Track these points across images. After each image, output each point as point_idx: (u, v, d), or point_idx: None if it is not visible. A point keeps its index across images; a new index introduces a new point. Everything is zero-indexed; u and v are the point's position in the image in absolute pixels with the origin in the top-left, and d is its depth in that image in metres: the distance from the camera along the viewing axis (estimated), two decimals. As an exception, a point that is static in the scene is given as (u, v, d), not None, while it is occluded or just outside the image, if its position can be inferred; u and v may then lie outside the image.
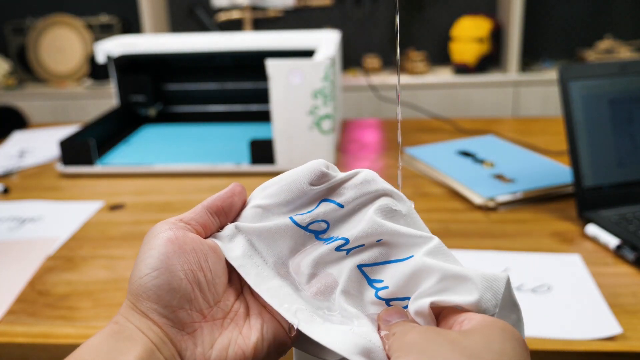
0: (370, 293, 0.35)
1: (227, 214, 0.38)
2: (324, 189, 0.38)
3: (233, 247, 0.37)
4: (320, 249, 0.37)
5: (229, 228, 0.38)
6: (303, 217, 0.37)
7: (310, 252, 0.37)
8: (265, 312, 0.36)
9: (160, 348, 0.32)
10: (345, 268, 0.36)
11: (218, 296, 0.35)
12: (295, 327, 0.34)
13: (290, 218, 0.38)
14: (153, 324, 0.32)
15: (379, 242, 0.36)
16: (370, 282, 0.36)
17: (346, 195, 0.37)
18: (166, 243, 0.33)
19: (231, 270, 0.36)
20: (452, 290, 0.32)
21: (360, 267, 0.36)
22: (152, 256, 0.33)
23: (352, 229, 0.37)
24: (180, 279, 0.33)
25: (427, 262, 0.33)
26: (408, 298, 0.34)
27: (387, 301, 0.35)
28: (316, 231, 0.38)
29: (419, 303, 0.32)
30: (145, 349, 0.31)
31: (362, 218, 0.37)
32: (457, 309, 0.32)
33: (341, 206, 0.37)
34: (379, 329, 0.33)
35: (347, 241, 0.36)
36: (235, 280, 0.37)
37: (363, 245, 0.36)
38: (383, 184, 0.37)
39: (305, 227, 0.37)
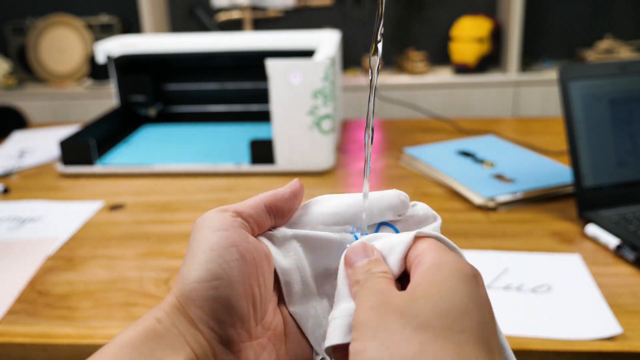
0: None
1: (284, 216, 0.35)
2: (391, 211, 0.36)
3: (284, 255, 0.34)
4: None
5: (283, 230, 0.35)
6: (365, 237, 0.35)
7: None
8: (301, 332, 0.34)
9: None
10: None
11: (265, 313, 0.32)
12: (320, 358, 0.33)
13: (354, 234, 0.35)
14: (201, 336, 0.30)
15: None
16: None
17: (403, 222, 0.36)
18: (230, 247, 0.30)
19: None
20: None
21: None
22: (212, 260, 0.30)
23: None
24: (239, 296, 0.30)
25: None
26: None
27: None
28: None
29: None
30: None
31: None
32: (415, 249, 0.31)
33: (397, 231, 0.36)
34: (345, 266, 0.32)
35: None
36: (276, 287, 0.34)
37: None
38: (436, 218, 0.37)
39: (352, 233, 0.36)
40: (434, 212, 0.37)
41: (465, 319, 0.27)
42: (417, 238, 0.32)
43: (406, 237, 0.32)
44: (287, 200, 0.35)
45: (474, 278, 0.28)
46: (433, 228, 0.36)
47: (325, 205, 0.36)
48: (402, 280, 0.31)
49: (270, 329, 0.33)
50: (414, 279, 0.29)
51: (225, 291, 0.30)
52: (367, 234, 0.35)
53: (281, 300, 0.34)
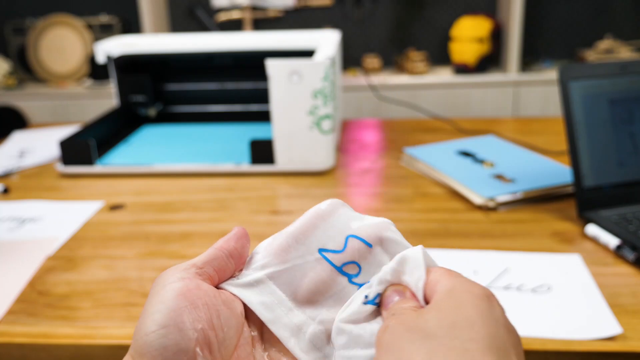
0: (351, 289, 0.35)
1: (240, 256, 0.36)
2: (347, 223, 0.37)
3: (258, 295, 0.34)
4: (357, 298, 0.35)
5: (250, 272, 0.35)
6: (335, 255, 0.36)
7: (344, 298, 0.35)
8: None
9: None
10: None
11: (228, 356, 0.32)
12: None
13: (321, 253, 0.36)
14: None
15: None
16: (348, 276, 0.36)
17: (370, 233, 0.36)
18: (177, 297, 0.31)
19: (244, 321, 0.34)
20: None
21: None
22: (160, 311, 0.30)
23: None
24: (189, 340, 0.30)
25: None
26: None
27: (359, 285, 0.35)
28: (350, 274, 0.36)
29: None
30: None
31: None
32: (430, 280, 0.32)
33: (370, 245, 0.36)
34: (382, 308, 0.33)
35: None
36: (247, 331, 0.34)
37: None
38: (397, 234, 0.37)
39: (339, 268, 0.36)
40: (382, 219, 0.37)
41: (475, 330, 0.27)
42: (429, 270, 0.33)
43: (420, 273, 0.33)
44: (237, 240, 0.36)
45: (487, 298, 0.29)
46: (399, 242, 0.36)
47: (284, 234, 0.37)
48: None
49: None
50: (430, 303, 0.30)
51: (174, 337, 0.30)
52: (339, 250, 0.36)
53: (263, 342, 0.35)
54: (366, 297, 0.34)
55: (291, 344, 0.34)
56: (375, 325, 0.33)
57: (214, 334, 0.31)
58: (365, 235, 0.36)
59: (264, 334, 0.35)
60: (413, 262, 0.33)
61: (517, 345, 0.29)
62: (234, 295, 0.35)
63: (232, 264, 0.35)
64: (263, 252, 0.36)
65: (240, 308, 0.34)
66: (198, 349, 0.30)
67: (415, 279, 0.33)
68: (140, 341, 0.30)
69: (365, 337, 0.32)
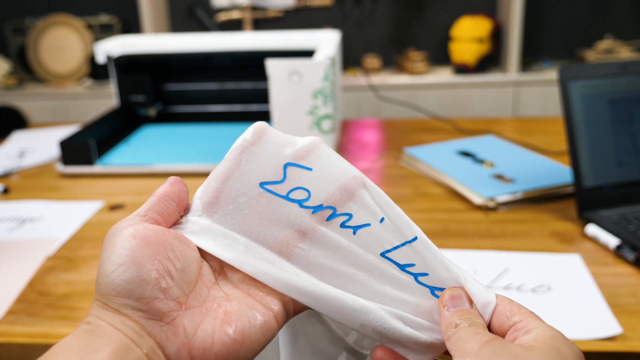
0: (407, 279, 0.35)
1: (180, 199, 0.36)
2: (278, 150, 0.37)
3: (211, 239, 0.35)
4: (317, 223, 0.35)
5: (194, 216, 0.36)
6: (277, 186, 0.36)
7: (301, 222, 0.35)
8: (248, 297, 0.34)
9: (136, 342, 0.30)
10: (366, 258, 0.35)
11: (192, 284, 0.33)
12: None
13: (262, 186, 0.36)
14: (127, 319, 0.31)
15: (382, 222, 0.35)
16: (402, 267, 0.35)
17: (307, 158, 0.36)
18: (128, 238, 0.32)
19: (202, 259, 0.35)
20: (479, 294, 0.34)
21: (384, 254, 0.35)
22: (116, 253, 0.32)
23: (346, 201, 0.35)
24: (149, 270, 0.31)
25: (444, 258, 0.35)
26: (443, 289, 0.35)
27: (432, 289, 0.35)
28: (299, 200, 0.35)
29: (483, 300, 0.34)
30: (119, 345, 0.30)
31: (349, 188, 0.36)
32: (505, 302, 0.33)
33: (309, 169, 0.36)
34: (442, 305, 0.34)
35: (350, 216, 0.35)
36: (207, 268, 0.35)
37: (369, 224, 0.35)
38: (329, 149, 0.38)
39: (285, 197, 0.35)
40: (312, 138, 0.38)
41: None
42: (502, 297, 0.34)
43: (490, 296, 0.34)
44: (173, 185, 0.36)
45: (581, 358, 0.31)
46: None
47: (216, 176, 0.37)
48: None
49: (211, 298, 0.34)
50: (526, 341, 0.31)
51: (134, 270, 0.31)
52: (279, 181, 0.36)
53: (227, 276, 0.36)
54: (416, 277, 0.35)
55: (262, 277, 0.34)
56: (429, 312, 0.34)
57: (171, 263, 0.32)
58: (302, 160, 0.36)
59: (224, 268, 0.36)
60: (481, 285, 0.34)
61: None
62: None
63: (174, 206, 0.36)
64: (201, 197, 0.36)
65: (194, 244, 0.35)
66: (159, 276, 0.32)
67: (485, 300, 0.34)
68: (103, 284, 0.31)
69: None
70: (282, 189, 0.36)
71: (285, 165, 0.36)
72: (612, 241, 0.73)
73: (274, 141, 0.37)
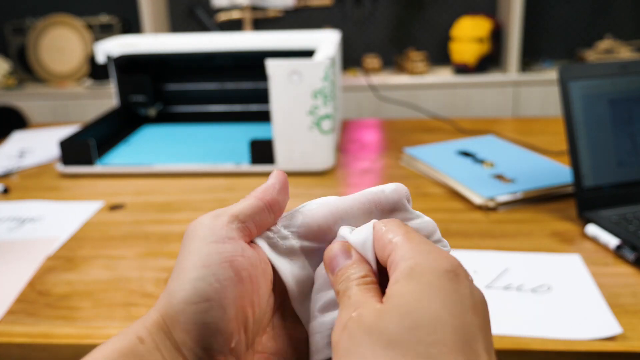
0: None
1: (280, 210, 0.32)
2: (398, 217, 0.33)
3: (289, 266, 0.31)
4: None
5: (287, 234, 0.32)
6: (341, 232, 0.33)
7: None
8: (290, 346, 0.31)
9: None
10: None
11: (258, 335, 0.29)
12: None
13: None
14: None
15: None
16: None
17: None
18: (223, 264, 0.27)
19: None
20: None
21: None
22: (204, 278, 0.27)
23: None
24: (230, 320, 0.27)
25: None
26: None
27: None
28: None
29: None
30: None
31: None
32: (384, 239, 0.29)
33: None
34: (327, 272, 0.30)
35: None
36: (270, 305, 0.31)
37: None
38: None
39: None
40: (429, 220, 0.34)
41: (438, 330, 0.24)
42: (378, 224, 0.30)
43: (368, 227, 0.30)
44: (279, 191, 0.32)
45: (452, 275, 0.26)
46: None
47: (322, 208, 0.33)
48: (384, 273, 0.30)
49: (262, 351, 0.30)
50: (389, 287, 0.27)
51: (216, 315, 0.27)
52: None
53: (283, 310, 0.32)
54: None
55: (311, 330, 0.31)
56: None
57: (251, 311, 0.28)
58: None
59: (284, 301, 0.32)
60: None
61: (484, 327, 0.26)
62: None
63: (273, 219, 0.31)
64: (303, 217, 0.32)
65: (271, 276, 0.31)
66: (236, 331, 0.27)
67: (362, 238, 0.30)
68: (176, 307, 0.27)
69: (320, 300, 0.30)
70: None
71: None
72: (612, 241, 0.73)
73: (401, 209, 0.33)
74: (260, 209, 0.30)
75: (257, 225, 0.30)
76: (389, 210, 0.33)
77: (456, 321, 0.25)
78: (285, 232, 0.32)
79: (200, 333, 0.27)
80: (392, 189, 0.33)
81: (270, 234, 0.32)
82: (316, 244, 0.32)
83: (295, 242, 0.32)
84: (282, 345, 0.31)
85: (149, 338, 0.27)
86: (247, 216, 0.30)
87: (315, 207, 0.33)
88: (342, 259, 0.29)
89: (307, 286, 0.32)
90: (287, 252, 0.32)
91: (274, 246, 0.31)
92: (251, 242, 0.31)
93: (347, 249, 0.30)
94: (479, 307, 0.26)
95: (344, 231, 0.32)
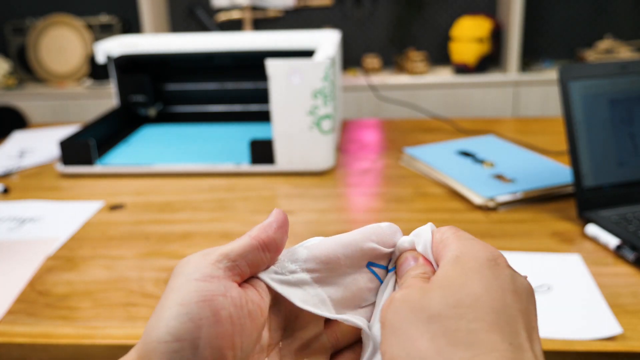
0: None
1: (277, 249, 0.31)
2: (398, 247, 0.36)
3: (302, 294, 0.32)
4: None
5: (293, 267, 0.32)
6: (382, 271, 0.35)
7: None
8: None
9: None
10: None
11: None
12: None
13: (369, 267, 0.35)
14: None
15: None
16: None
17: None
18: (199, 304, 0.27)
19: (263, 331, 0.31)
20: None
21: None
22: (177, 317, 0.26)
23: None
24: (205, 359, 0.27)
25: None
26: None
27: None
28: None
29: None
30: None
31: None
32: (437, 241, 0.33)
33: (387, 269, 0.36)
34: (397, 277, 0.34)
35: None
36: (265, 340, 0.31)
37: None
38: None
39: (382, 282, 0.35)
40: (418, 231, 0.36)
41: (478, 309, 0.26)
42: (440, 232, 0.34)
43: (426, 233, 0.34)
44: (276, 230, 0.31)
45: (493, 263, 0.28)
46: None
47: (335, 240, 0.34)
48: None
49: None
50: (437, 272, 0.29)
51: (186, 355, 0.26)
52: (385, 266, 0.35)
53: (280, 349, 0.33)
54: (389, 270, 0.35)
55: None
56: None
57: (231, 354, 0.27)
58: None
59: (283, 340, 0.33)
60: (424, 231, 0.34)
61: (525, 311, 0.27)
62: (270, 288, 0.31)
63: (268, 258, 0.31)
64: (309, 251, 0.33)
65: (265, 314, 0.30)
66: None
67: (423, 244, 0.33)
68: (150, 345, 0.27)
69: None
70: (384, 275, 0.35)
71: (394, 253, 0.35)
72: (612, 241, 0.73)
73: (398, 237, 0.36)
74: (254, 248, 0.30)
75: (250, 264, 0.30)
76: (388, 237, 0.35)
77: (496, 303, 0.27)
78: (292, 266, 0.32)
79: None
80: (388, 225, 0.36)
81: (276, 268, 0.32)
82: (328, 274, 0.33)
83: (305, 275, 0.32)
84: None
85: None
86: (238, 255, 0.29)
87: (318, 242, 0.33)
88: (408, 263, 0.33)
89: (324, 309, 0.32)
90: (298, 283, 0.32)
91: (280, 280, 0.31)
92: (253, 277, 0.31)
93: (415, 255, 0.33)
94: (521, 292, 0.28)
95: (404, 240, 0.35)
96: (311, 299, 0.32)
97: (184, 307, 0.27)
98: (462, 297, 0.27)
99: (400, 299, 0.28)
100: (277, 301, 0.32)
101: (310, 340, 0.33)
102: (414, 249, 0.34)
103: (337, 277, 0.34)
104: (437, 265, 0.31)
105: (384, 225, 0.36)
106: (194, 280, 0.28)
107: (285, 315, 0.33)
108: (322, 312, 0.32)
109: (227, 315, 0.27)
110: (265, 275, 0.31)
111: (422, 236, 0.34)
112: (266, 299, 0.31)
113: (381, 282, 0.35)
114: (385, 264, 0.36)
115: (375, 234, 0.35)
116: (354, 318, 0.33)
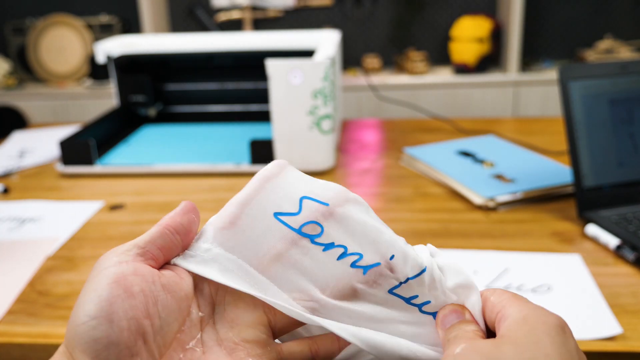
0: (412, 310, 0.35)
1: (188, 232, 0.34)
2: (297, 184, 0.36)
3: (217, 267, 0.33)
4: (328, 260, 0.35)
5: (205, 243, 0.34)
6: (291, 218, 0.35)
7: (313, 260, 0.35)
8: (228, 356, 0.32)
9: None
10: (377, 296, 0.35)
11: (165, 347, 0.31)
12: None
13: (276, 216, 0.35)
14: None
15: (392, 259, 0.35)
16: (408, 300, 0.35)
17: (323, 194, 0.36)
18: (110, 285, 0.29)
19: (192, 305, 0.33)
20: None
21: (391, 291, 0.35)
22: (91, 300, 0.29)
23: (357, 239, 0.35)
24: (121, 331, 0.29)
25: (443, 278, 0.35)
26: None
27: (434, 314, 0.35)
28: (311, 235, 0.35)
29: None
30: None
31: (361, 225, 0.35)
32: (488, 297, 0.33)
33: (326, 204, 0.35)
34: (438, 329, 0.34)
35: (361, 256, 0.35)
36: (195, 315, 0.33)
37: (379, 264, 0.35)
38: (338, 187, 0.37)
39: (298, 230, 0.35)
40: (337, 186, 0.36)
41: None
42: (486, 292, 0.34)
43: (476, 294, 0.34)
44: (183, 215, 0.34)
45: (561, 329, 0.30)
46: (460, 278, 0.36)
47: (234, 201, 0.36)
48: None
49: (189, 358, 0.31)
50: (501, 331, 0.30)
51: (105, 329, 0.28)
52: (293, 213, 0.35)
53: (215, 323, 0.34)
54: (419, 306, 0.35)
55: (276, 304, 0.33)
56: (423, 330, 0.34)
57: (149, 322, 0.30)
58: (320, 196, 0.35)
59: (215, 314, 0.34)
60: (464, 281, 0.34)
61: None
62: (188, 271, 0.34)
63: (179, 241, 0.33)
64: (213, 224, 0.35)
65: (186, 290, 0.33)
66: (131, 340, 0.29)
67: (471, 303, 0.34)
68: (71, 332, 0.29)
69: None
70: (295, 222, 0.35)
71: (302, 198, 0.35)
72: (612, 241, 0.73)
73: (296, 176, 0.37)
74: (162, 233, 0.33)
75: (161, 248, 0.32)
76: (279, 178, 0.36)
77: None
78: (205, 245, 0.34)
79: (95, 348, 0.28)
80: (273, 164, 0.36)
81: (189, 252, 0.34)
82: (238, 238, 0.34)
83: (218, 249, 0.34)
84: (215, 357, 0.32)
85: None
86: (146, 242, 0.32)
87: (217, 214, 0.35)
88: (454, 317, 0.33)
89: (243, 273, 0.34)
90: (216, 259, 0.34)
91: (192, 260, 0.34)
92: (168, 264, 0.34)
93: (462, 309, 0.34)
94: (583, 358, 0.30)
95: (425, 255, 0.35)
96: (232, 271, 0.33)
97: (97, 291, 0.29)
98: (536, 355, 0.28)
99: (471, 348, 0.29)
100: (202, 279, 0.34)
101: (244, 313, 0.34)
102: (457, 303, 0.34)
103: (249, 239, 0.34)
104: (493, 327, 0.32)
105: (269, 166, 0.36)
106: (104, 270, 0.30)
107: (212, 291, 0.35)
108: (240, 286, 0.33)
109: (138, 290, 0.30)
110: (178, 259, 0.34)
111: (468, 293, 0.34)
112: (186, 279, 0.33)
113: (291, 228, 0.35)
114: (293, 209, 0.35)
115: (264, 179, 0.35)
116: (281, 301, 0.33)
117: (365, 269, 0.35)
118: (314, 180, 0.37)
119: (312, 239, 0.35)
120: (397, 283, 0.35)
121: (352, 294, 0.35)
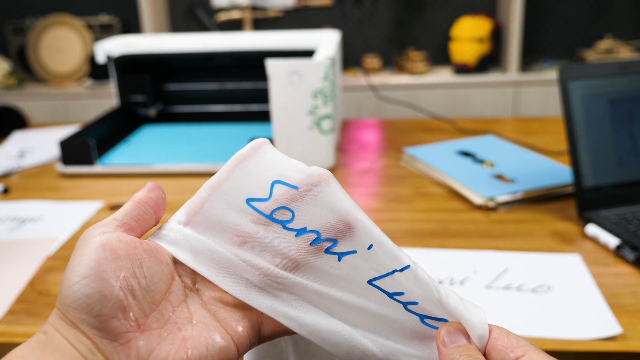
0: (396, 306, 0.34)
1: (157, 205, 0.37)
2: (269, 167, 0.35)
3: (184, 247, 0.35)
4: (301, 246, 0.34)
5: (175, 223, 0.35)
6: (262, 204, 0.34)
7: (284, 246, 0.34)
8: (213, 319, 0.34)
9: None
10: (352, 283, 0.34)
11: (155, 303, 0.33)
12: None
13: (248, 203, 0.35)
14: (82, 335, 0.31)
15: (370, 249, 0.34)
16: (391, 295, 0.34)
17: (294, 176, 0.35)
18: (97, 249, 0.31)
19: (174, 274, 0.35)
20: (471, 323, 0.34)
21: (371, 282, 0.34)
22: (82, 263, 0.31)
23: (331, 225, 0.34)
24: (112, 286, 0.31)
25: (434, 283, 0.35)
26: (444, 320, 0.34)
27: (422, 317, 0.34)
28: (282, 221, 0.34)
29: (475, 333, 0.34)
30: None
31: (333, 210, 0.34)
32: (503, 335, 0.33)
33: (295, 187, 0.34)
34: (439, 341, 0.33)
35: (335, 242, 0.34)
36: (179, 283, 0.35)
37: (355, 252, 0.34)
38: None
39: (269, 216, 0.34)
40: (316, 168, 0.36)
41: None
42: (512, 335, 0.34)
43: (483, 326, 0.34)
44: (151, 191, 0.37)
45: None
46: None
47: (207, 186, 0.36)
48: None
49: (173, 320, 0.33)
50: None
51: (96, 285, 0.30)
52: (264, 199, 0.35)
53: (199, 292, 0.35)
54: (421, 317, 0.34)
55: (233, 290, 0.34)
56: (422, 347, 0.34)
57: (136, 281, 0.32)
58: (291, 179, 0.35)
59: (197, 283, 0.35)
60: (476, 314, 0.34)
61: None
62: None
63: (152, 213, 0.36)
64: (187, 206, 0.36)
65: (167, 258, 0.35)
66: (122, 295, 0.31)
67: (479, 333, 0.33)
68: (64, 294, 0.31)
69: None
70: (266, 208, 0.34)
71: (273, 183, 0.35)
72: (612, 241, 0.73)
73: (269, 159, 0.36)
74: (135, 206, 0.36)
75: (136, 220, 0.35)
76: (248, 161, 0.36)
77: None
78: (177, 226, 0.36)
79: (88, 304, 0.30)
80: (248, 147, 0.37)
81: (162, 231, 0.36)
82: (206, 219, 0.35)
83: (188, 231, 0.35)
84: (201, 317, 0.34)
85: (50, 328, 0.31)
86: (123, 215, 0.35)
87: (192, 197, 0.36)
88: (462, 338, 0.33)
89: (212, 256, 0.34)
90: (179, 239, 0.35)
91: (164, 239, 0.35)
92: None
93: (467, 334, 0.34)
94: None
95: (409, 256, 0.34)
96: (202, 253, 0.34)
97: (86, 255, 0.31)
98: None
99: None
100: None
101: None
102: (462, 325, 0.34)
103: (218, 223, 0.35)
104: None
105: (244, 149, 0.37)
106: (89, 239, 0.32)
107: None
108: (207, 272, 0.34)
109: (124, 253, 0.32)
110: (152, 237, 0.36)
111: (478, 324, 0.34)
112: (165, 250, 0.35)
113: (263, 215, 0.34)
114: (263, 195, 0.35)
115: (237, 163, 0.36)
116: (250, 276, 0.33)
117: (340, 255, 0.34)
118: (286, 162, 0.36)
119: (283, 224, 0.34)
120: (377, 275, 0.34)
121: (326, 279, 0.34)
